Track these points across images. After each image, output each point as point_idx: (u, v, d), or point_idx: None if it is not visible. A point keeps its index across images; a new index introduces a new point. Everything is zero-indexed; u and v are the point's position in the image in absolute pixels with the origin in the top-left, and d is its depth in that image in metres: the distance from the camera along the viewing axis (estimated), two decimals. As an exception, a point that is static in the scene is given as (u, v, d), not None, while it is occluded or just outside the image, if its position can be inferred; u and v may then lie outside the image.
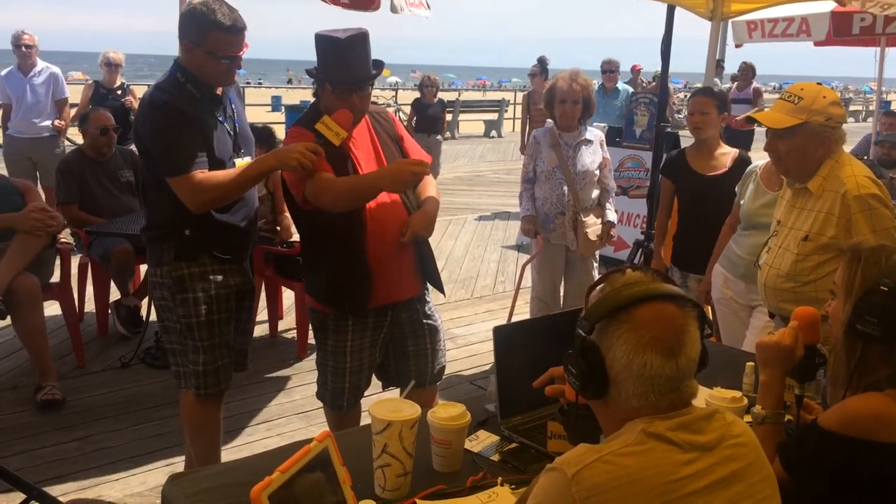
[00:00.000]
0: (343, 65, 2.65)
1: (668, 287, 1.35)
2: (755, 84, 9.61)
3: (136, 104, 7.07)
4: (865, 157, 7.20)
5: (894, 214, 2.54)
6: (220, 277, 2.80)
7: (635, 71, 12.14)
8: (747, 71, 9.58)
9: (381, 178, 2.62)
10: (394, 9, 4.96)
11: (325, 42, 2.66)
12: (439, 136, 9.56)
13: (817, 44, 7.99)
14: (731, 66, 12.11)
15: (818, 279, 2.61)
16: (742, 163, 3.71)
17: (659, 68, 5.39)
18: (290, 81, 44.63)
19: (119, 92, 7.08)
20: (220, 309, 2.81)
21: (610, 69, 8.53)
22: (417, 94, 9.63)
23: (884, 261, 1.73)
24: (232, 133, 2.84)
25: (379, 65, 2.77)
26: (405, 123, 10.75)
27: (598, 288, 1.42)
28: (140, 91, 6.58)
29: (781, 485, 1.43)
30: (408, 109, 20.57)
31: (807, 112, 2.54)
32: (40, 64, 6.82)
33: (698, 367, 1.37)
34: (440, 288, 2.97)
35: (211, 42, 2.63)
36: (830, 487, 1.64)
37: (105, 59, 7.13)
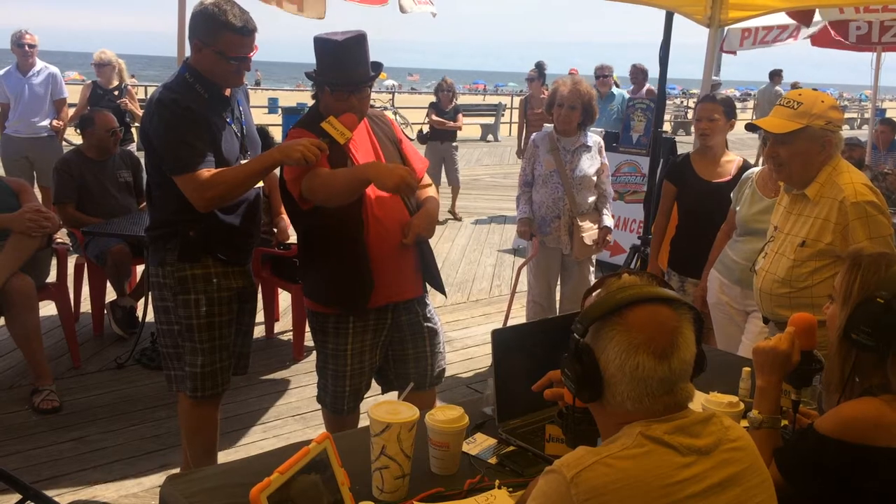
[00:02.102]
0: (341, 67, 2.66)
1: (662, 290, 1.36)
2: (648, 86, 9.49)
3: (130, 106, 7.03)
4: (866, 164, 7.23)
5: (891, 222, 2.56)
6: (222, 280, 2.80)
7: (571, 74, 12.00)
8: (638, 74, 9.49)
9: (370, 170, 2.60)
10: (402, 9, 4.99)
11: (323, 44, 2.67)
12: (455, 143, 9.28)
13: (814, 43, 8.01)
14: (723, 74, 12.11)
15: (814, 285, 2.62)
16: (746, 171, 3.73)
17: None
18: (258, 83, 44.54)
19: (116, 93, 7.05)
20: (221, 311, 2.81)
21: (603, 74, 8.57)
22: (414, 97, 9.58)
23: (883, 271, 1.73)
24: (239, 134, 2.84)
25: (377, 67, 2.78)
26: (402, 127, 10.66)
27: (594, 292, 1.43)
28: (139, 93, 6.55)
29: (778, 490, 1.44)
30: (406, 113, 20.44)
31: (807, 116, 2.56)
32: (39, 64, 6.79)
33: (696, 371, 1.37)
34: (441, 289, 2.97)
35: (221, 42, 2.63)
36: (827, 492, 1.65)
37: (94, 61, 7.09)
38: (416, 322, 2.90)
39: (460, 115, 9.30)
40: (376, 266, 2.72)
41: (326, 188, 2.61)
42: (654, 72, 5.41)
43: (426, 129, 9.39)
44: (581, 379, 1.36)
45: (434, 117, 9.11)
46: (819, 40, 7.88)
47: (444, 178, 9.20)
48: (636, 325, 1.30)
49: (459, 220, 9.39)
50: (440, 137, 9.11)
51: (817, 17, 7.06)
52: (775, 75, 14.07)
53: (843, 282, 1.80)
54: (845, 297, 1.77)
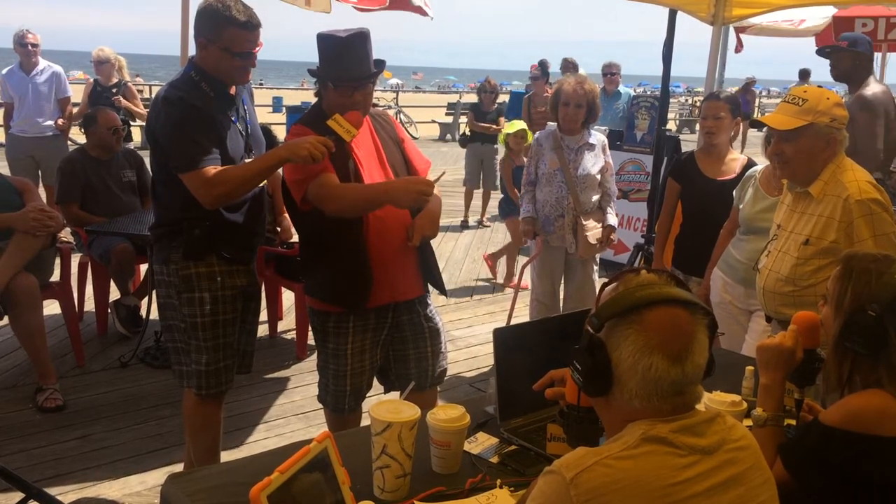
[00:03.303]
0: (344, 63, 2.66)
1: (682, 292, 1.35)
2: None
3: (125, 103, 6.99)
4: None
5: (895, 220, 2.55)
6: (227, 278, 2.80)
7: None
8: (568, 66, 9.36)
9: (387, 194, 2.62)
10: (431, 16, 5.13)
11: (326, 41, 2.67)
12: (496, 146, 8.88)
13: (819, 44, 8.00)
14: (726, 72, 12.06)
15: (817, 283, 2.61)
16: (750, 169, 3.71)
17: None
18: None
19: (115, 90, 7.04)
20: (225, 310, 2.81)
21: (610, 72, 8.52)
22: (418, 95, 9.45)
23: (874, 281, 1.73)
24: (244, 133, 2.84)
25: (380, 64, 2.78)
26: (406, 126, 10.52)
27: (611, 286, 1.41)
28: (143, 92, 6.52)
29: (781, 488, 1.43)
30: (410, 112, 20.29)
31: (812, 113, 2.54)
32: (42, 63, 6.80)
33: (704, 374, 1.37)
34: (441, 288, 2.97)
35: (226, 38, 2.64)
36: (831, 487, 1.64)
37: (93, 58, 7.09)
38: (418, 322, 2.90)
39: (502, 119, 9.08)
40: (377, 264, 2.72)
41: (336, 203, 2.63)
42: (657, 70, 5.37)
43: (467, 131, 9.24)
44: (590, 373, 1.35)
45: (475, 122, 9.00)
46: (824, 41, 7.86)
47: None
48: (653, 326, 1.30)
49: (488, 226, 9.15)
50: (481, 139, 8.92)
51: (823, 12, 7.04)
52: (805, 74, 14.35)
53: (834, 289, 1.80)
54: (837, 304, 1.77)
